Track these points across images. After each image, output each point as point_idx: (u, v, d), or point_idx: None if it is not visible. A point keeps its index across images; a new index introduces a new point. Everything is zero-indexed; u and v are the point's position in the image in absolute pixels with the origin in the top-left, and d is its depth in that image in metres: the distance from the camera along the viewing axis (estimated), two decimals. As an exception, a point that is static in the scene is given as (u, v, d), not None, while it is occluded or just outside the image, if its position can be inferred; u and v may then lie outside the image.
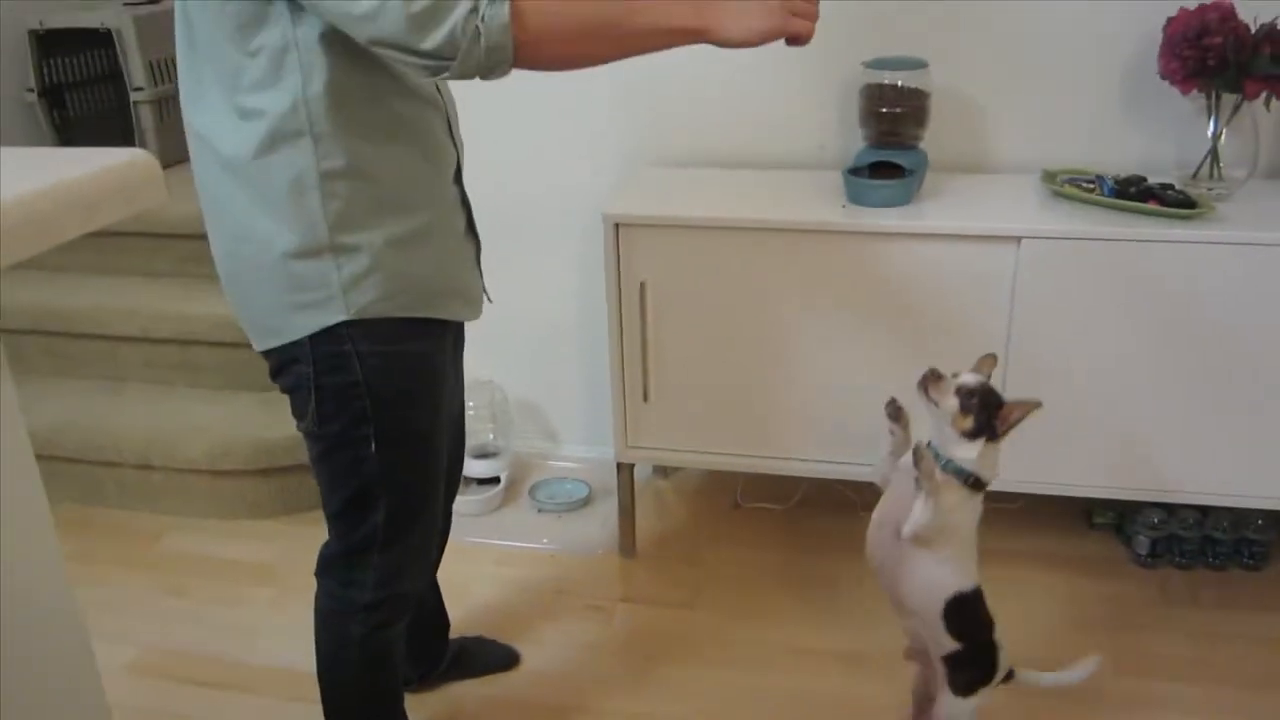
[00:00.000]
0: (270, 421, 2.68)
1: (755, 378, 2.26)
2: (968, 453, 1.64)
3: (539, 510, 2.66)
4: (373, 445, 1.45)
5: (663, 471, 2.81)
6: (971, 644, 1.72)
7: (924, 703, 1.85)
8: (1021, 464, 2.19)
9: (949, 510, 1.63)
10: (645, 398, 2.29)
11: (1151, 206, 2.05)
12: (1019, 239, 2.03)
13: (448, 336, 1.54)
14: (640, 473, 2.62)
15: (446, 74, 1.22)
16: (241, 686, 2.10)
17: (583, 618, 2.29)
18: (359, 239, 1.35)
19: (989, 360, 1.71)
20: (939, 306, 2.12)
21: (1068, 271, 2.04)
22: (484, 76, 1.23)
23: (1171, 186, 2.11)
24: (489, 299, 1.66)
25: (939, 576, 1.69)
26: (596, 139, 2.55)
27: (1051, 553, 2.44)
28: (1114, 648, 2.12)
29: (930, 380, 1.65)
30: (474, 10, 1.17)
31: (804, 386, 2.24)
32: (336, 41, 1.26)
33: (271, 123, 1.29)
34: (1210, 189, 2.14)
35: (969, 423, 1.62)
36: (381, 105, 1.34)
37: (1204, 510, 2.35)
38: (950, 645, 1.71)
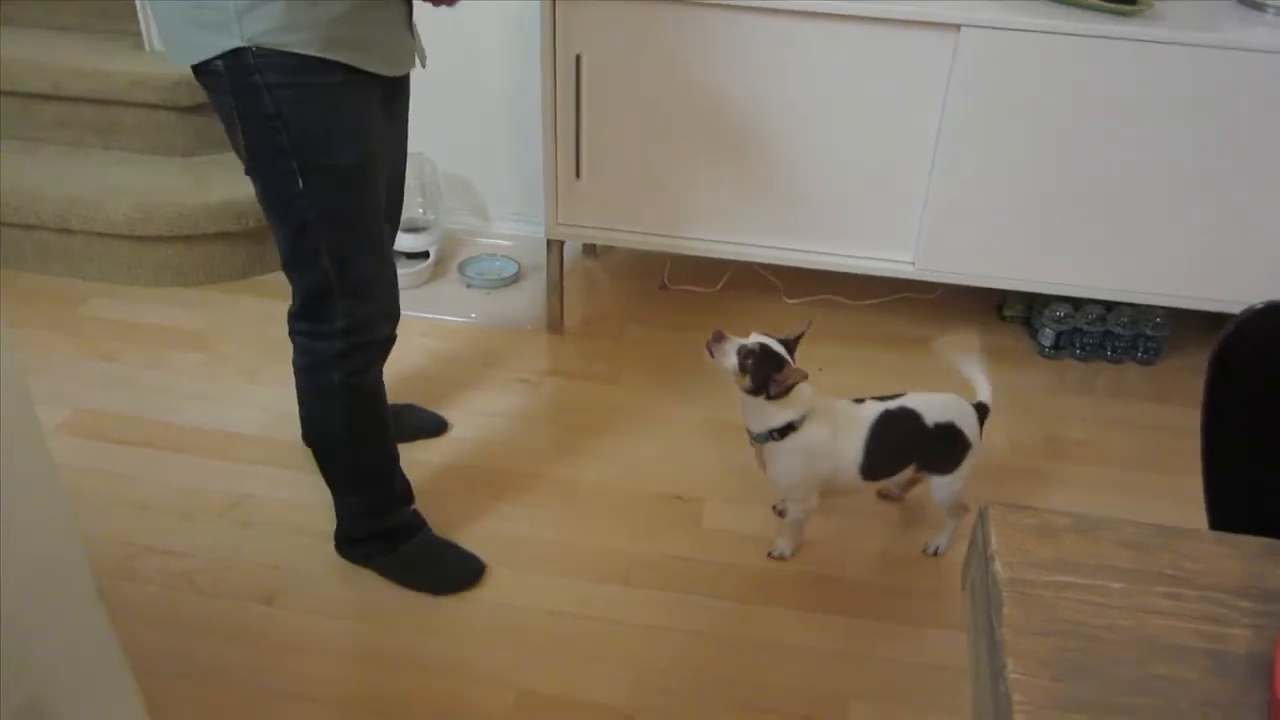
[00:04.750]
0: (193, 187, 2.62)
1: (688, 158, 2.25)
2: (761, 418, 1.76)
3: (468, 286, 2.68)
4: (300, 181, 1.47)
5: (592, 251, 2.84)
6: (916, 460, 1.84)
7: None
8: (939, 255, 2.27)
9: (782, 471, 1.80)
10: (577, 175, 2.29)
11: (1092, 0, 2.04)
12: (959, 26, 2.02)
13: (370, 85, 1.51)
14: (569, 252, 2.64)
15: None
16: (172, 446, 2.15)
17: (510, 389, 2.35)
18: None
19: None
20: (877, 92, 2.12)
21: (1004, 62, 2.05)
22: None
23: (1115, -20, 2.10)
24: (422, 64, 1.63)
25: (842, 467, 1.81)
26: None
27: (963, 342, 2.55)
28: (1015, 430, 2.26)
29: (714, 341, 1.72)
30: None
31: (736, 169, 2.25)
32: None
33: None
34: (1152, -15, 2.14)
35: (747, 380, 1.71)
36: None
37: (1108, 306, 2.47)
38: (902, 478, 1.87)
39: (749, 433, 1.81)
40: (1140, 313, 2.47)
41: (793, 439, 1.76)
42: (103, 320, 2.55)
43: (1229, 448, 1.04)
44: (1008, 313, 2.63)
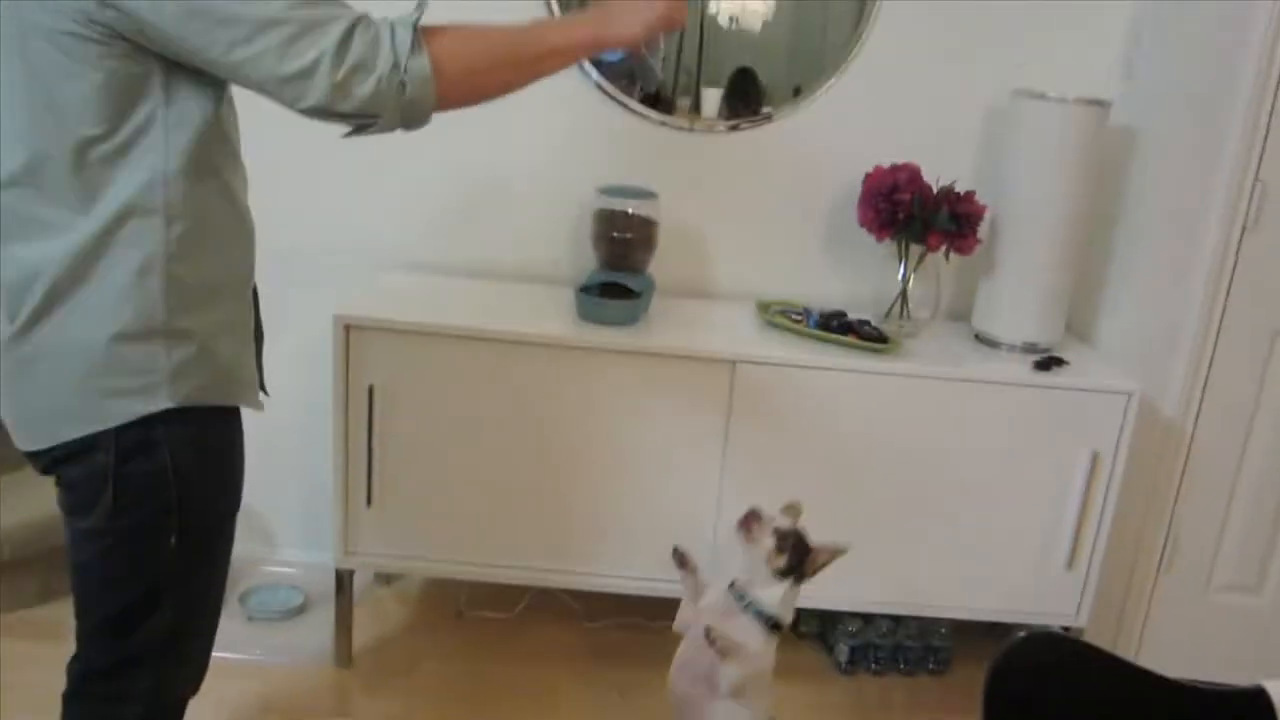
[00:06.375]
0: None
1: (482, 485, 2.26)
2: (772, 594, 1.76)
3: (249, 619, 2.52)
4: (173, 538, 1.36)
5: (384, 578, 2.74)
6: None
7: None
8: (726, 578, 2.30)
9: (755, 657, 1.74)
10: (369, 502, 2.25)
11: (850, 340, 2.26)
12: (734, 363, 2.17)
13: (241, 424, 1.48)
14: (360, 579, 2.54)
15: (372, 130, 1.25)
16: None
17: (289, 736, 2.17)
18: (192, 322, 1.30)
19: (795, 507, 1.82)
20: (663, 420, 2.22)
21: (777, 393, 2.20)
22: (406, 128, 1.26)
23: (868, 322, 2.33)
24: (266, 393, 1.60)
25: (738, 717, 1.77)
26: (332, 237, 2.53)
27: None
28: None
29: (752, 519, 1.77)
30: (395, 67, 1.20)
31: (530, 497, 2.27)
32: (200, 117, 1.25)
33: (123, 200, 1.23)
34: (901, 326, 2.38)
35: (782, 561, 1.74)
36: (219, 179, 1.32)
37: (897, 620, 2.54)
38: None
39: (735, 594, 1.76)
40: (926, 625, 2.55)
41: (770, 643, 1.74)
42: None
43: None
44: (803, 629, 2.67)
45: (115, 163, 1.23)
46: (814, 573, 1.78)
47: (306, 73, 1.18)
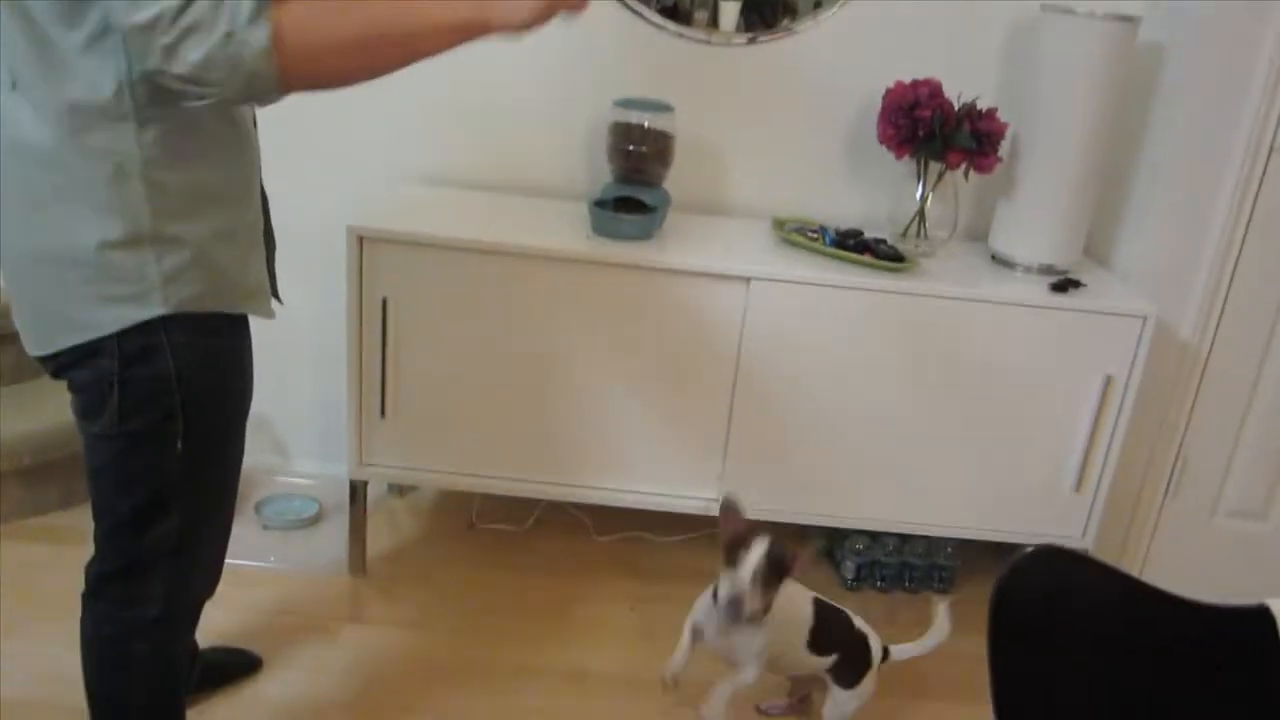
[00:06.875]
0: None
1: (495, 398, 2.27)
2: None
3: (265, 527, 2.56)
4: (179, 443, 1.38)
5: (398, 490, 2.78)
6: (840, 651, 1.90)
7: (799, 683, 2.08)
8: (742, 493, 2.32)
9: (751, 641, 1.79)
10: (383, 414, 2.26)
11: (866, 258, 2.24)
12: (749, 280, 2.16)
13: (249, 333, 1.50)
14: (374, 491, 2.58)
15: (208, 100, 1.17)
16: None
17: (306, 639, 2.21)
18: (182, 230, 1.30)
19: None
20: (675, 337, 2.22)
21: (791, 311, 2.19)
22: (256, 102, 1.21)
23: (884, 241, 2.31)
24: (279, 300, 1.61)
25: (791, 641, 1.85)
26: (348, 149, 2.51)
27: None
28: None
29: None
30: (229, 35, 1.11)
31: (543, 409, 2.28)
32: None
33: (91, 103, 1.21)
34: (917, 246, 2.36)
35: (771, 591, 1.72)
36: None
37: (903, 538, 2.57)
38: (826, 662, 1.89)
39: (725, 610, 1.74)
40: (933, 544, 2.58)
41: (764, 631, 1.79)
42: None
43: (1019, 693, 1.07)
44: (812, 545, 2.70)
45: (78, 64, 1.21)
46: (799, 573, 1.77)
47: (148, 27, 1.11)
